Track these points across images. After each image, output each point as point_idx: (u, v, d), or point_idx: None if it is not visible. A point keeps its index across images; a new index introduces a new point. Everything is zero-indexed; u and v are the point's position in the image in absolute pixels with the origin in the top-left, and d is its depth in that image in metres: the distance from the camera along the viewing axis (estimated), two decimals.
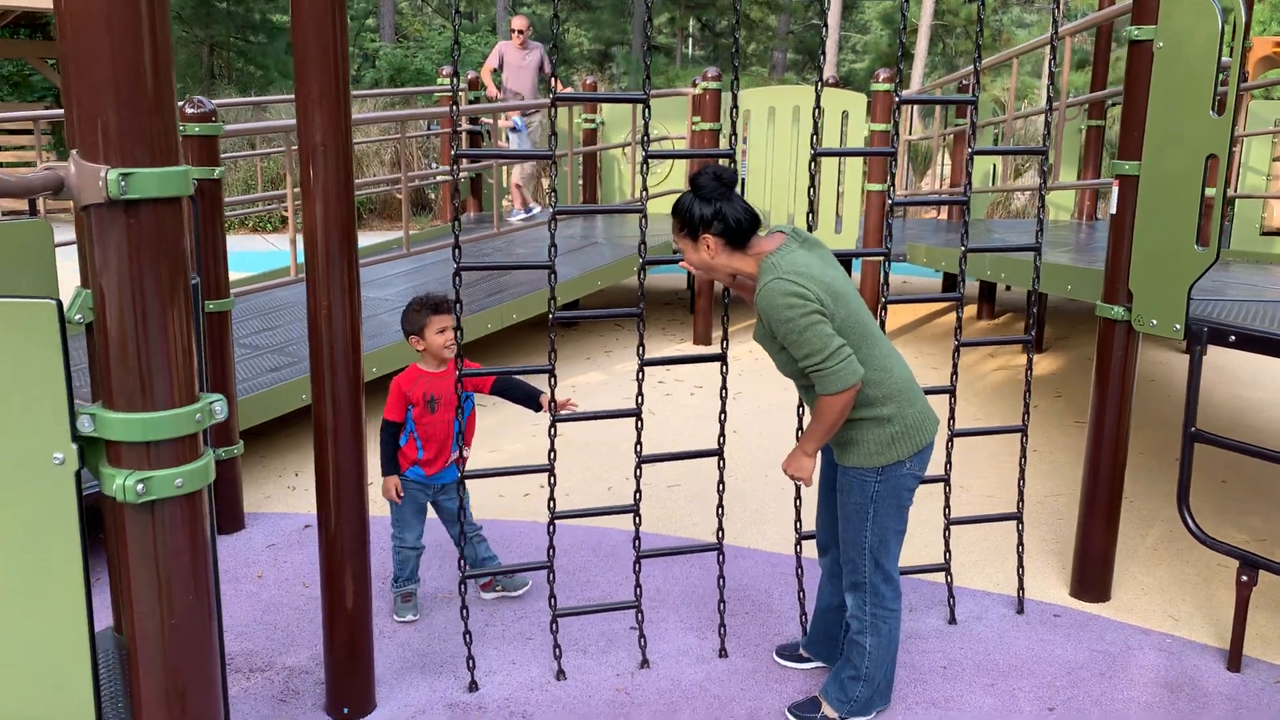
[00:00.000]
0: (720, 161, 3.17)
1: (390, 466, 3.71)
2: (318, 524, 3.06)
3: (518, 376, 3.70)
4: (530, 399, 3.73)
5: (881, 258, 3.48)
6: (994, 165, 10.28)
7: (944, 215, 10.03)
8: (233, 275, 7.11)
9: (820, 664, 3.36)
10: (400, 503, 3.74)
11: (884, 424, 2.84)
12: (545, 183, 10.07)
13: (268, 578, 4.04)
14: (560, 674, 3.34)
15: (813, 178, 3.37)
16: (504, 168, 9.75)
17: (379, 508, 4.33)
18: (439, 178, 9.40)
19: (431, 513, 3.86)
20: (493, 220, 7.56)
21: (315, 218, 2.84)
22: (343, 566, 3.05)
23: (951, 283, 10.17)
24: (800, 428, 3.37)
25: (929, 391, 3.61)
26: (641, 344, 3.27)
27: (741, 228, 2.84)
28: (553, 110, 3.17)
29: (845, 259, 3.55)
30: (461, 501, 3.61)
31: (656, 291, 9.99)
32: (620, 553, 4.26)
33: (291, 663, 3.43)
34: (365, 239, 13.28)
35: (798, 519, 3.56)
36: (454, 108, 3.15)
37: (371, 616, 3.15)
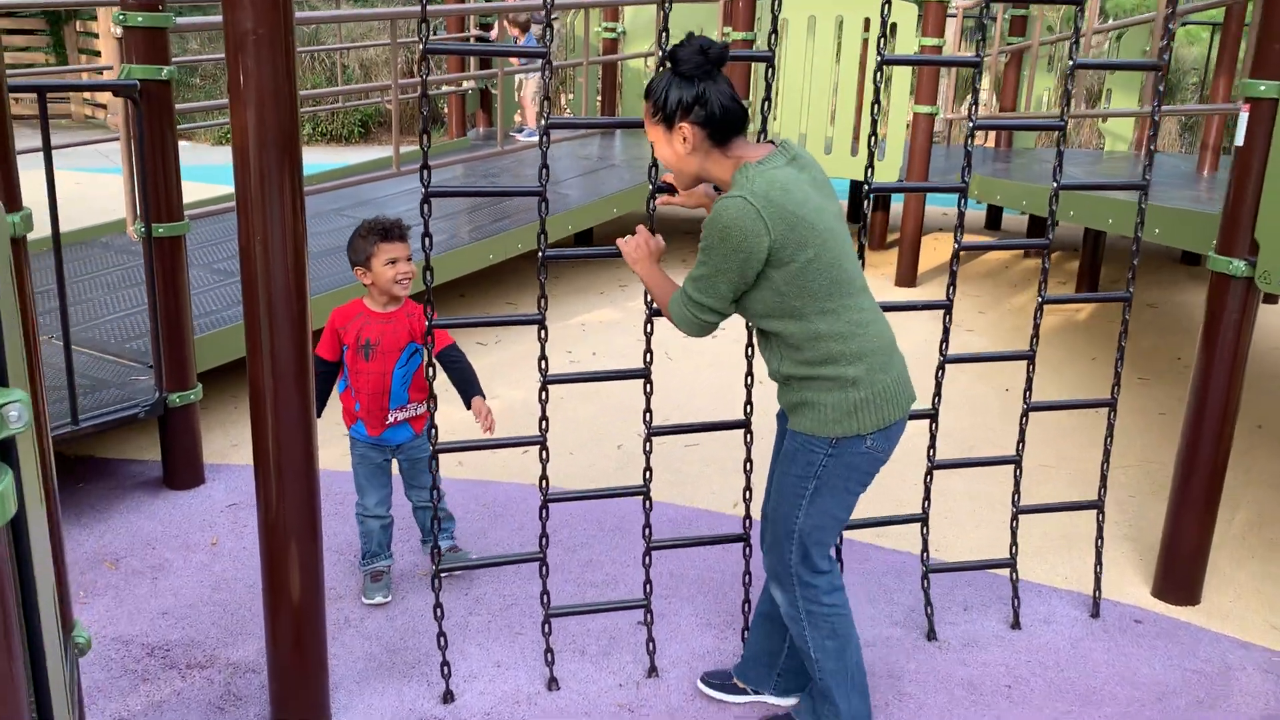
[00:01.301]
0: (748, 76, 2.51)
1: (318, 406, 3.15)
2: (256, 504, 2.52)
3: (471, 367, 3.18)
4: (463, 388, 3.14)
5: (958, 193, 2.84)
6: (1047, 90, 9.49)
7: (990, 141, 9.28)
8: (217, 190, 6.46)
9: (758, 697, 2.79)
10: (356, 467, 3.21)
11: (847, 387, 2.32)
12: (561, 98, 9.34)
13: (224, 545, 3.52)
14: (552, 682, 2.82)
15: (877, 92, 2.73)
16: (514, 80, 9.04)
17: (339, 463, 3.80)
18: (444, 88, 8.70)
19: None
20: (502, 136, 6.90)
21: (246, 129, 2.23)
22: (286, 553, 2.52)
23: (995, 218, 9.46)
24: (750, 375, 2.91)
25: (975, 359, 3.03)
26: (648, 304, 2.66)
27: (728, 118, 2.29)
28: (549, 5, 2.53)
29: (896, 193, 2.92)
30: (435, 481, 2.98)
31: (674, 220, 9.32)
32: (628, 526, 3.71)
33: (237, 657, 2.92)
34: (371, 154, 12.57)
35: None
36: (423, 21, 2.52)
37: (323, 613, 2.63)
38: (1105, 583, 3.38)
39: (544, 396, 2.72)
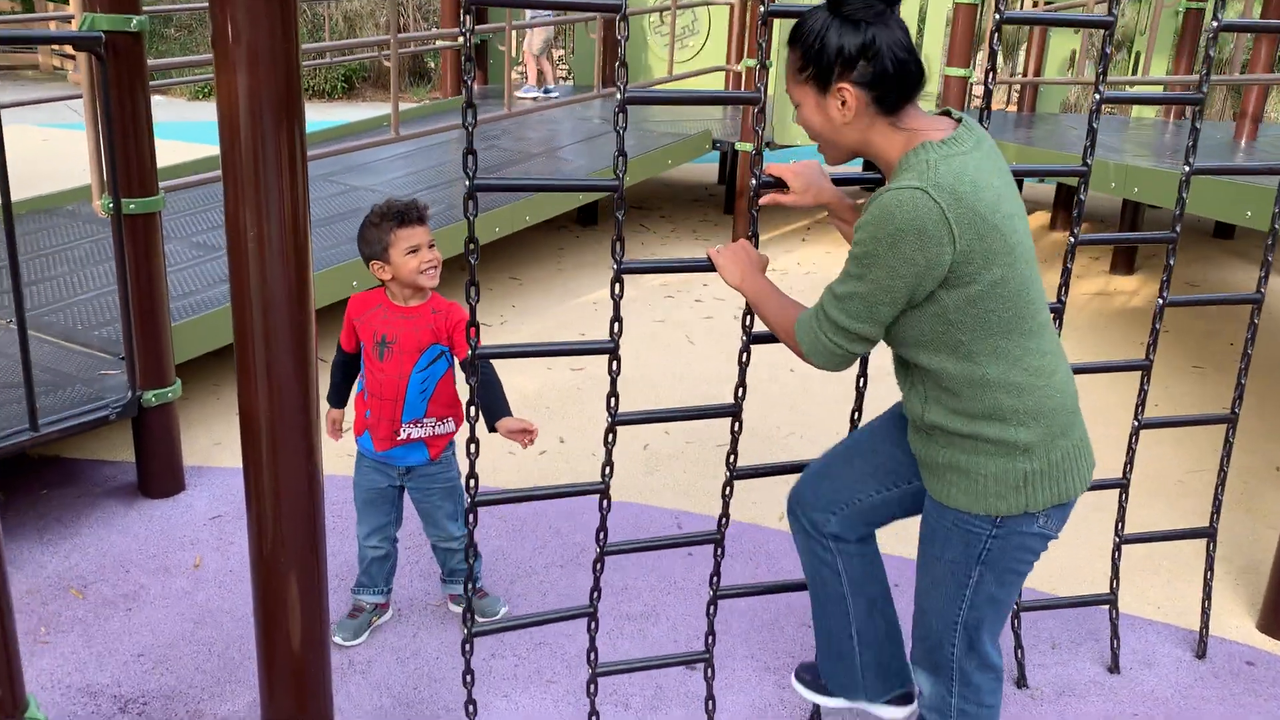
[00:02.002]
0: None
1: (334, 396, 2.82)
2: (247, 526, 2.09)
3: (500, 386, 2.70)
4: (489, 409, 2.65)
5: (1077, 178, 2.42)
6: (1072, 51, 9.04)
7: (1012, 106, 8.84)
8: (197, 151, 5.95)
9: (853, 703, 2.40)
10: (356, 486, 2.79)
11: (1015, 454, 1.86)
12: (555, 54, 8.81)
13: (207, 567, 3.09)
14: None
15: (994, 56, 2.28)
16: (515, 33, 8.51)
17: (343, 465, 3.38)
18: (438, 42, 8.18)
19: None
20: (504, 96, 6.40)
21: (235, 99, 1.78)
22: (284, 588, 2.10)
23: (1067, 197, 9.00)
24: (862, 383, 2.45)
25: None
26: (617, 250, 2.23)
27: (904, 78, 1.79)
28: None
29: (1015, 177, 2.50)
30: (469, 543, 2.38)
31: (681, 185, 8.85)
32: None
33: (226, 711, 2.51)
34: (357, 112, 12.02)
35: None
36: None
37: (328, 662, 2.22)
38: (1187, 612, 3.01)
39: (610, 439, 2.27)
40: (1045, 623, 2.96)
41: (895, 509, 2.19)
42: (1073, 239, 2.47)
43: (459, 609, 2.91)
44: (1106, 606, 2.81)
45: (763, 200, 2.18)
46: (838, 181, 2.25)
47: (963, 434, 1.87)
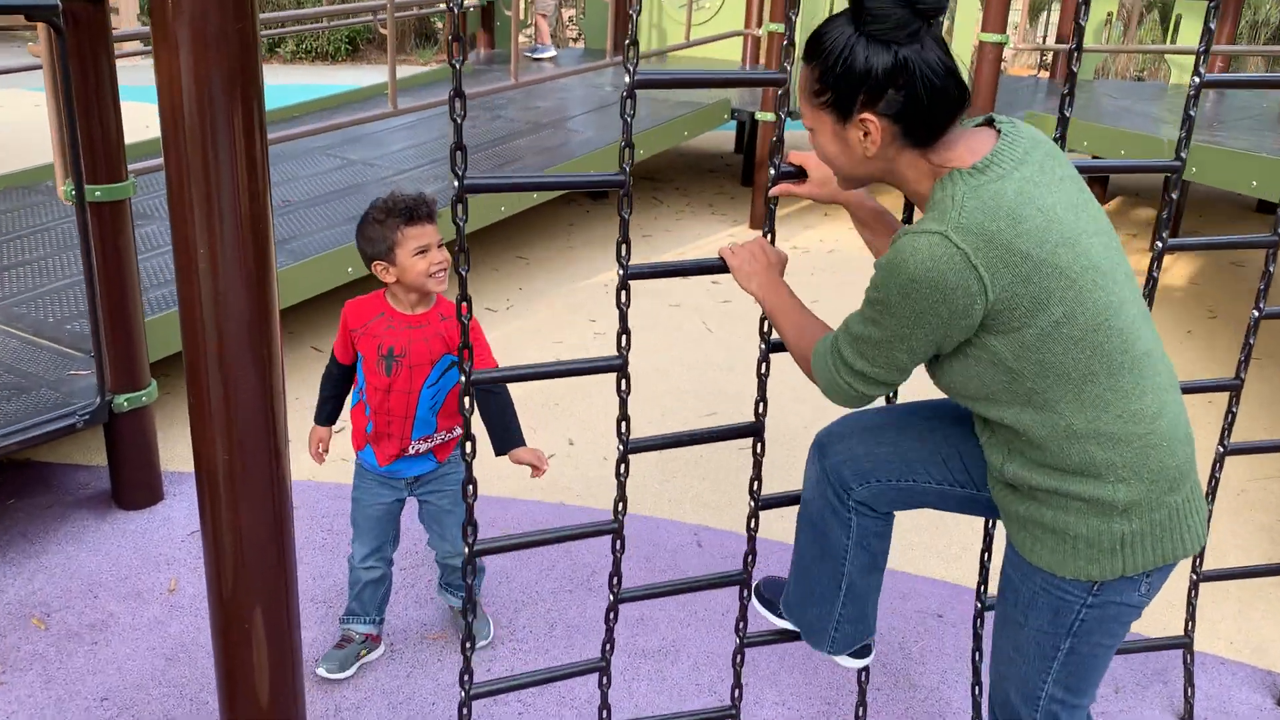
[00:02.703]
0: None
1: (322, 413, 2.54)
2: (204, 565, 1.81)
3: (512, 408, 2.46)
4: (499, 431, 2.42)
5: (1168, 173, 2.09)
6: (1110, 13, 8.62)
7: (1041, 72, 8.44)
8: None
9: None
10: (355, 502, 2.52)
11: (1111, 515, 1.57)
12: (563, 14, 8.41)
13: (183, 591, 2.82)
14: None
15: (1082, 8, 1.96)
16: None
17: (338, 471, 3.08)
18: (441, 4, 7.80)
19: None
20: (510, 62, 6.04)
21: (177, 81, 1.47)
22: (245, 634, 1.82)
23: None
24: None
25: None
26: (623, 255, 1.93)
27: (938, 108, 1.52)
28: None
29: (1094, 174, 2.17)
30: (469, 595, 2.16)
31: (697, 154, 8.49)
32: (683, 562, 3.03)
33: None
34: (361, 75, 11.64)
35: (986, 547, 2.31)
36: None
37: (302, 712, 1.95)
38: (1256, 636, 2.73)
39: (623, 470, 1.98)
40: (1113, 671, 2.67)
41: (951, 505, 1.90)
42: (1160, 243, 2.15)
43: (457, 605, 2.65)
44: (1181, 651, 2.52)
45: (774, 190, 1.93)
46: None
47: (1053, 491, 1.59)
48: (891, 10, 1.48)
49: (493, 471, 3.37)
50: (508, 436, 2.39)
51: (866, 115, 1.53)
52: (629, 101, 1.77)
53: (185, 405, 3.83)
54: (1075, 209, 1.53)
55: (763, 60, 6.95)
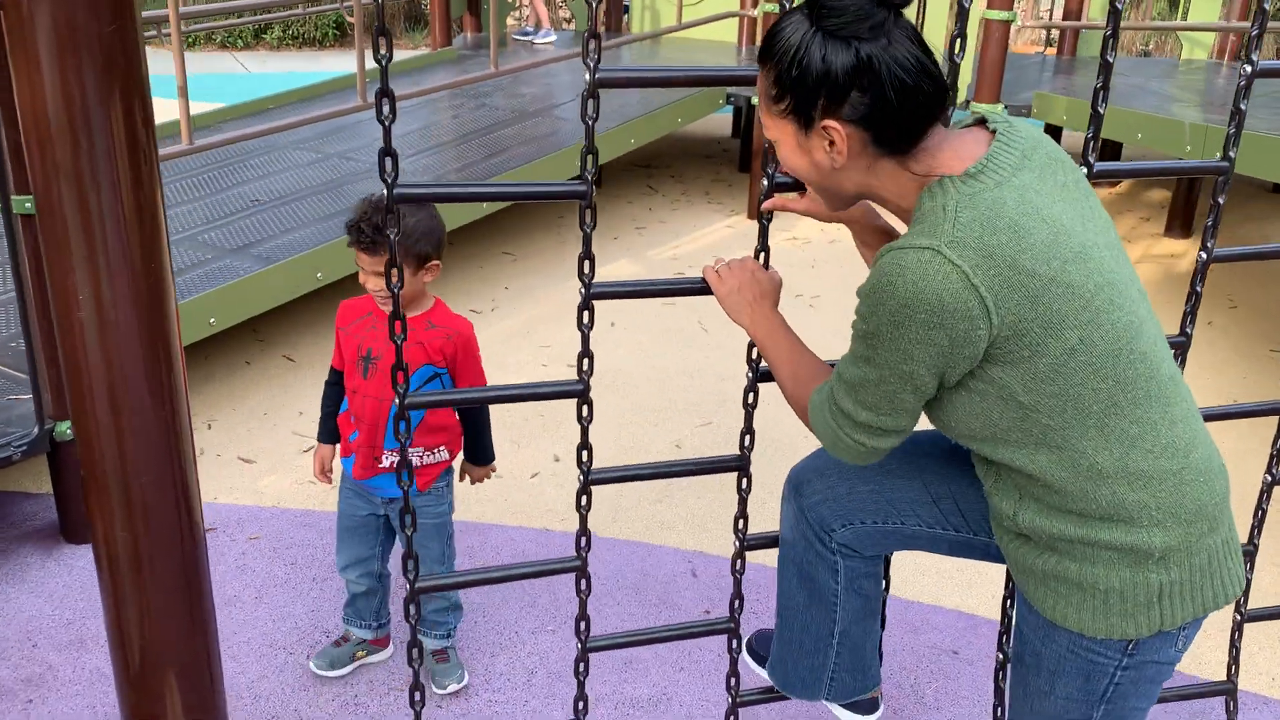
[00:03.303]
0: None
1: (325, 430, 2.39)
2: (106, 628, 1.58)
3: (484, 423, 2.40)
4: (470, 443, 2.39)
5: (1217, 175, 1.84)
6: None
7: (1048, 49, 8.15)
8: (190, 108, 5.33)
9: None
10: (338, 509, 2.42)
11: (1149, 563, 1.37)
12: None
13: None
14: None
15: None
16: None
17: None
18: None
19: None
20: (501, 46, 5.77)
21: (40, 90, 1.23)
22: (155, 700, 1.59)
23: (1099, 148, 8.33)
24: None
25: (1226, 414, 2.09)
26: (585, 261, 1.69)
27: (910, 110, 1.32)
28: None
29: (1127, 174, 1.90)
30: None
31: (692, 139, 8.21)
32: (675, 595, 2.79)
33: None
34: (349, 61, 11.36)
35: (1010, 593, 2.07)
36: None
37: None
38: None
39: (584, 503, 1.76)
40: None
41: (943, 549, 1.71)
42: (1204, 255, 1.89)
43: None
44: (1223, 699, 2.28)
45: (766, 205, 1.69)
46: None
47: (1073, 539, 1.38)
48: (849, 1, 1.27)
49: (471, 494, 3.14)
50: (478, 449, 2.37)
51: (829, 122, 1.33)
52: (591, 102, 1.55)
53: None
54: (1083, 218, 1.33)
55: (758, 42, 6.67)
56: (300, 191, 4.48)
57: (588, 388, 1.70)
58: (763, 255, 1.74)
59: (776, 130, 1.40)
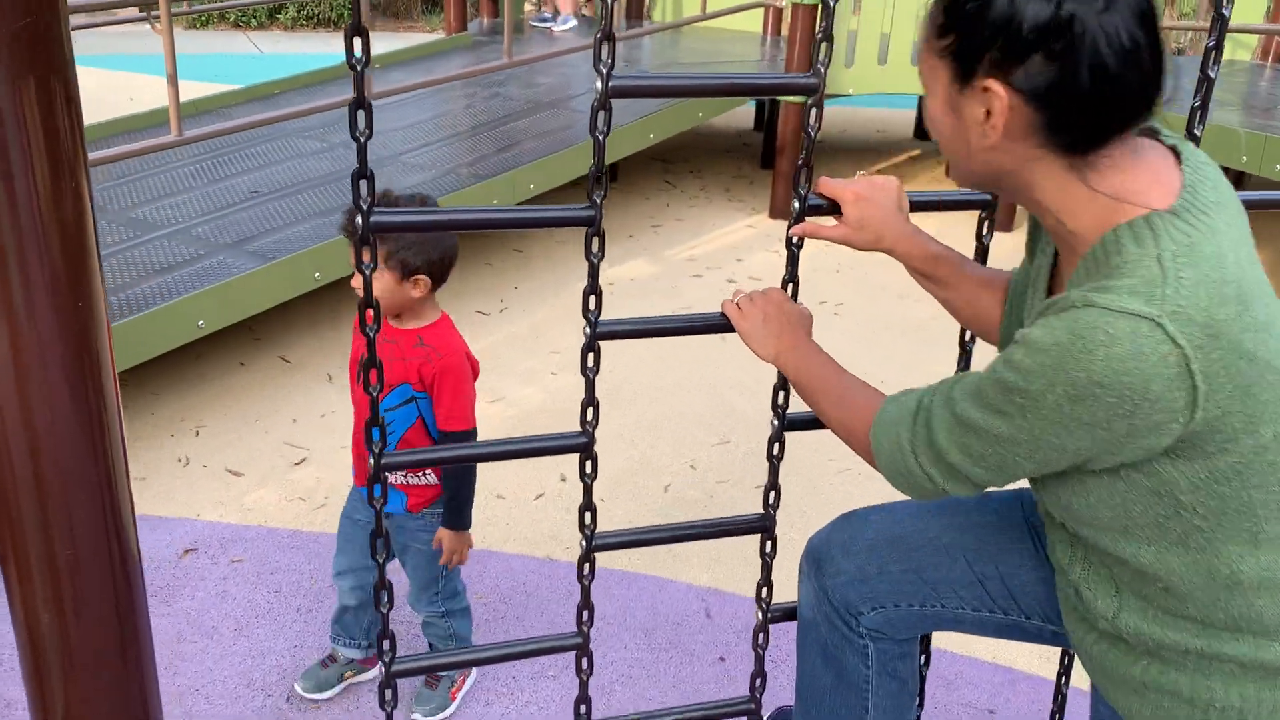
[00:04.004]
0: None
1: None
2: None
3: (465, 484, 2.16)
4: (447, 505, 2.15)
5: None
6: None
7: None
8: (196, 89, 5.16)
9: None
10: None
11: (1278, 678, 1.16)
12: None
13: None
14: None
15: None
16: None
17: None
18: None
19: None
20: (516, 32, 5.54)
21: None
22: None
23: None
24: None
25: None
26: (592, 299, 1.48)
27: (1101, 103, 1.05)
28: None
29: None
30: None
31: (713, 132, 7.96)
32: (685, 637, 2.58)
33: None
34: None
35: (1064, 669, 1.85)
36: None
37: None
38: None
39: (586, 570, 1.55)
40: None
41: (989, 631, 1.50)
42: None
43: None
44: None
45: (795, 230, 1.48)
46: (919, 206, 1.51)
47: (1187, 649, 1.17)
48: None
49: (497, 509, 2.93)
50: (453, 510, 2.13)
51: (992, 83, 1.06)
52: (602, 114, 1.33)
53: (139, 428, 3.43)
54: (1267, 301, 1.08)
55: (784, 32, 6.42)
56: (300, 184, 4.27)
57: (592, 440, 1.50)
58: (790, 286, 1.53)
59: (930, 72, 1.15)
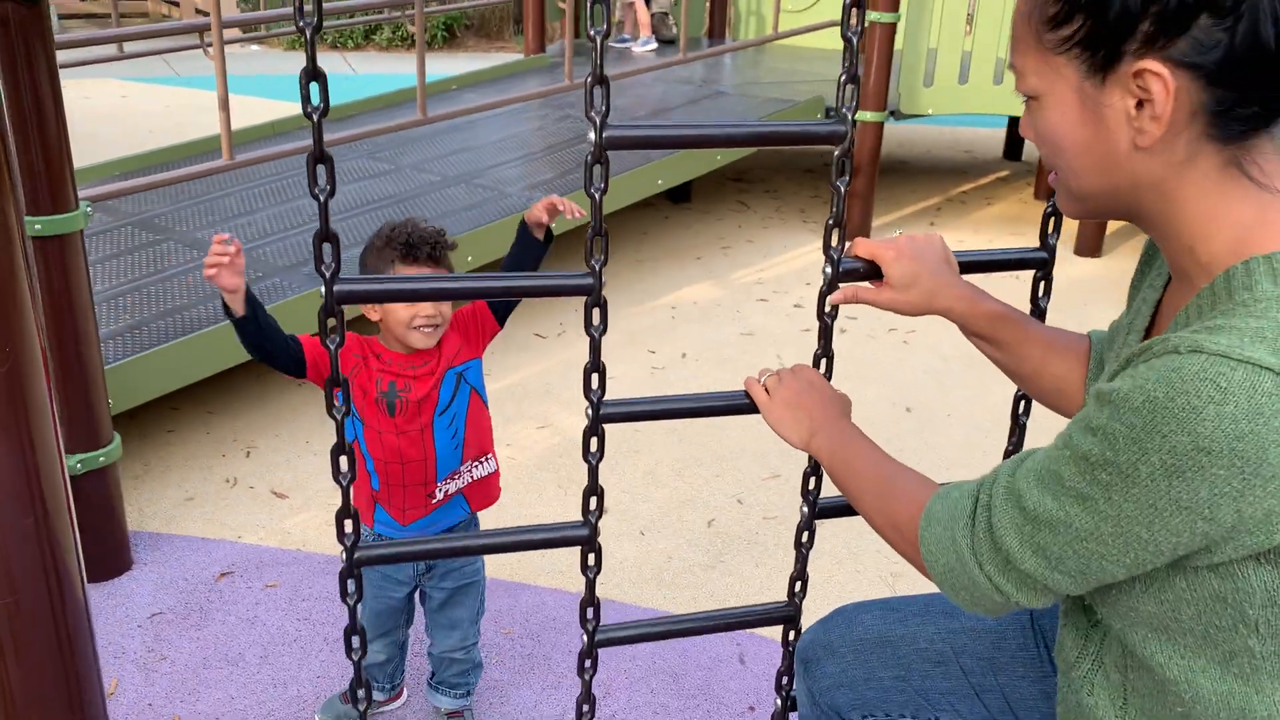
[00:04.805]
0: None
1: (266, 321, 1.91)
2: None
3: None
4: (525, 246, 1.99)
5: None
6: None
7: None
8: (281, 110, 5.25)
9: None
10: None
11: None
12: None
13: (123, 694, 2.40)
14: None
15: None
16: None
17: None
18: None
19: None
20: (592, 53, 5.52)
21: None
22: None
23: (1016, 146, 7.71)
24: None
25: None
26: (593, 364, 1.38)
27: None
28: None
29: None
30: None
31: (794, 151, 7.83)
32: (717, 682, 2.48)
33: None
34: (455, 64, 11.33)
35: None
36: None
37: None
38: None
39: (588, 665, 1.48)
40: None
41: None
42: None
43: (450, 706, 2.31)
44: None
45: (834, 298, 1.33)
46: (966, 267, 1.37)
47: None
48: None
49: (498, 556, 2.88)
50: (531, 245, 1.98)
51: (1150, 64, 0.87)
52: (597, 169, 1.25)
53: (187, 444, 3.46)
54: None
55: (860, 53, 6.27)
56: (366, 205, 4.30)
57: (595, 532, 1.41)
58: (825, 363, 1.41)
59: (1043, 76, 0.95)
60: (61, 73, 2.48)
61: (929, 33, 5.52)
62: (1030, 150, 7.37)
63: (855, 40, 1.26)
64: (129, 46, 5.33)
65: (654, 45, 7.63)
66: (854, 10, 1.24)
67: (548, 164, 4.80)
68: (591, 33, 1.20)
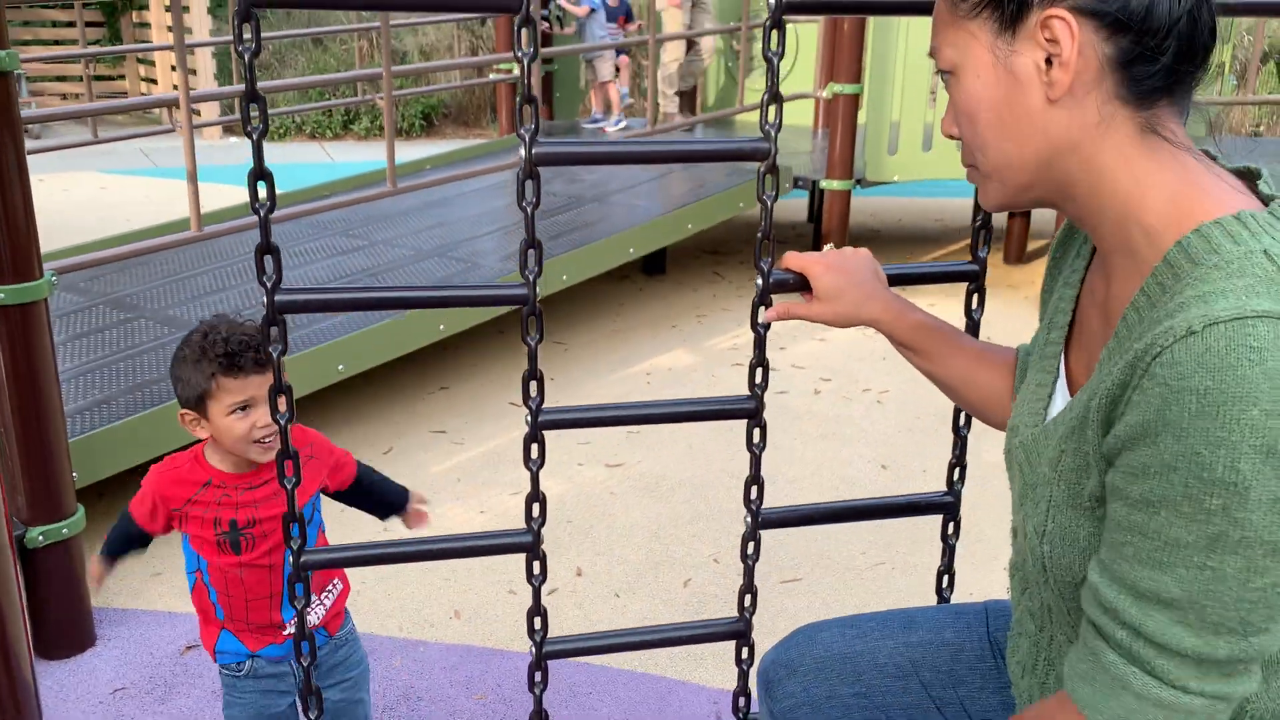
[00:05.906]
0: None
1: (110, 548, 1.91)
2: None
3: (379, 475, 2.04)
4: (385, 506, 2.04)
5: None
6: (1222, 62, 7.86)
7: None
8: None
9: None
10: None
11: None
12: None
13: None
14: None
15: None
16: (584, 61, 7.78)
17: None
18: (491, 75, 7.51)
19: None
20: (571, 133, 5.62)
21: None
22: None
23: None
24: None
25: None
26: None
27: (1192, 36, 0.90)
28: None
29: None
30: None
31: (756, 228, 7.93)
32: None
33: None
34: (434, 148, 11.51)
35: None
36: None
37: None
38: None
39: (538, 680, 1.46)
40: None
41: None
42: None
43: None
44: None
45: (766, 316, 1.37)
46: (896, 280, 1.40)
47: None
48: None
49: (479, 612, 2.84)
50: (394, 500, 2.03)
51: (1056, 11, 0.90)
52: (529, 184, 1.27)
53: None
54: None
55: (823, 125, 6.42)
56: (338, 278, 4.33)
57: (539, 539, 1.40)
58: (761, 372, 1.43)
59: (958, 48, 0.97)
60: (41, 165, 2.50)
61: (890, 105, 5.64)
62: (999, 217, 7.50)
63: (776, 61, 1.30)
64: (103, 131, 5.39)
65: (624, 123, 7.80)
66: (774, 33, 1.29)
67: (521, 235, 4.85)
68: (521, 132, 1.24)
